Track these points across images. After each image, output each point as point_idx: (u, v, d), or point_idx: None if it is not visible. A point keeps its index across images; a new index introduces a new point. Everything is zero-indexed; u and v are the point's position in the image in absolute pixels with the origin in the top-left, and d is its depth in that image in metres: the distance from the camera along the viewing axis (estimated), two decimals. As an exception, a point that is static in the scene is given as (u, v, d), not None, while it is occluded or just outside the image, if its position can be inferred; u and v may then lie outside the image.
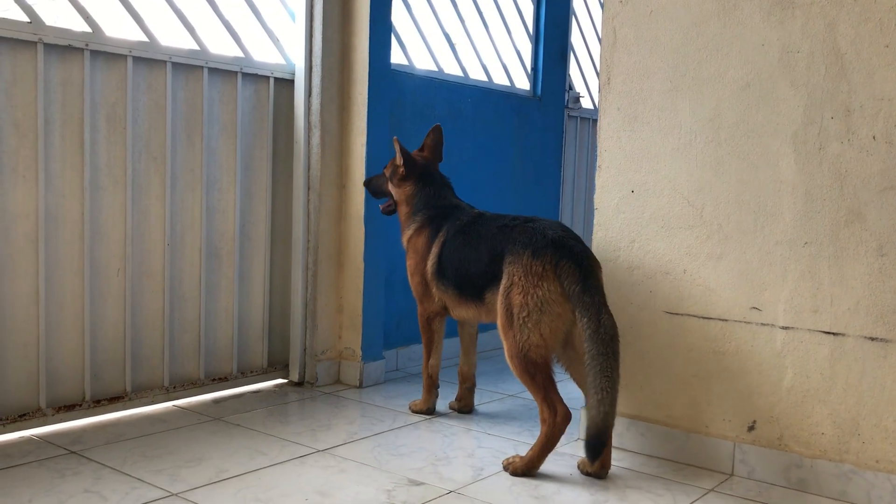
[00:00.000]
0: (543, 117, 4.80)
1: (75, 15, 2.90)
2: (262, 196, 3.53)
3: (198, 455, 2.66)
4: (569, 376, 2.76)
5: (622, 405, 2.78)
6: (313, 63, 3.53)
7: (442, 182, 3.24)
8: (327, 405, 3.29)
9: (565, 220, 5.08)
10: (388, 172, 3.27)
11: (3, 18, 2.69)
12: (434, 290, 3.07)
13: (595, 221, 2.95)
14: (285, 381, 3.65)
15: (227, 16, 3.36)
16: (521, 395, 3.57)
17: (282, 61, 3.56)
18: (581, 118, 5.22)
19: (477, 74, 4.44)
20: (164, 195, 3.17)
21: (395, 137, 3.18)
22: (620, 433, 2.85)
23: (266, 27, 3.49)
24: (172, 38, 3.19)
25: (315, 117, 3.54)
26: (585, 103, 5.27)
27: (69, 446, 2.71)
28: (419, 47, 4.13)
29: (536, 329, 2.54)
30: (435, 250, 3.05)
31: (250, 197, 3.48)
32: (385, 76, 3.66)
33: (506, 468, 2.60)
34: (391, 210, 3.32)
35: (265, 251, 3.56)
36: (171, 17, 3.19)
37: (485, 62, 4.49)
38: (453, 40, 4.28)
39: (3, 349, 2.77)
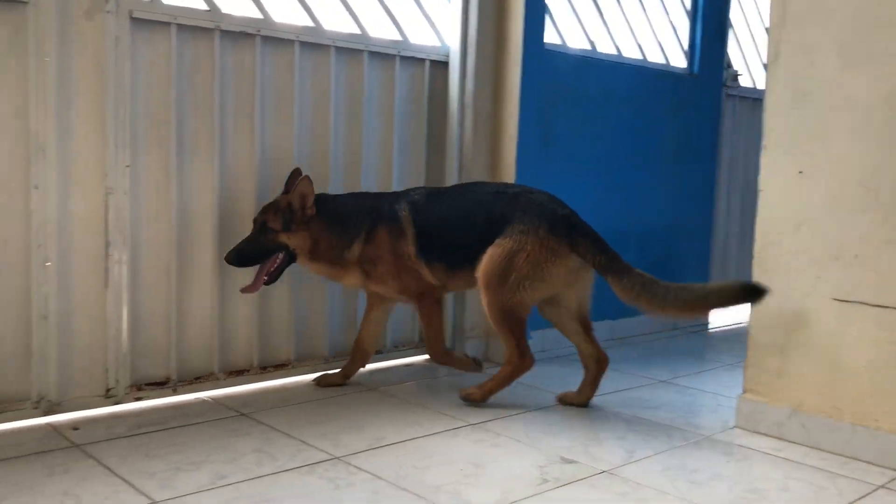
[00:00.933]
0: (700, 96, 4.64)
1: (247, 2, 3.07)
2: (418, 177, 3.61)
3: (357, 422, 2.78)
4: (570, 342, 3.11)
5: (781, 395, 2.68)
6: (468, 45, 3.57)
7: (334, 196, 3.08)
8: (476, 382, 3.34)
9: (721, 203, 4.91)
10: (275, 225, 2.90)
11: (187, 7, 2.88)
12: (425, 271, 3.02)
13: (759, 204, 2.84)
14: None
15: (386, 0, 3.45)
16: (673, 381, 3.51)
17: (437, 44, 3.62)
18: (740, 97, 5.01)
19: (631, 52, 4.35)
20: (327, 177, 3.31)
21: (304, 175, 2.90)
22: (780, 423, 2.74)
23: (423, 10, 3.56)
24: (335, 22, 3.31)
25: (469, 99, 3.59)
26: (744, 81, 5.05)
27: (239, 408, 2.90)
28: (572, 25, 4.09)
29: (531, 294, 2.87)
30: (410, 232, 2.98)
31: (406, 178, 3.57)
32: (538, 57, 3.65)
33: (464, 398, 3.00)
34: (282, 268, 2.95)
35: (418, 230, 3.65)
36: (334, 2, 3.31)
37: (639, 39, 4.39)
38: (607, 18, 4.21)
39: (185, 318, 2.99)
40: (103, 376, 2.81)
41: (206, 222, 3.01)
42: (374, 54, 3.41)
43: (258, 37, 3.06)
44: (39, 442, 2.51)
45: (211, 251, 3.02)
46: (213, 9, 2.95)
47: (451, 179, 3.62)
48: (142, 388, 2.91)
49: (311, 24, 3.21)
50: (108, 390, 2.82)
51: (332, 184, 3.30)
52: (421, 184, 3.59)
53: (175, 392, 2.98)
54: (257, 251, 2.90)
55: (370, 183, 3.44)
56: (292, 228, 2.90)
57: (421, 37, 3.60)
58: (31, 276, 2.62)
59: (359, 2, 3.38)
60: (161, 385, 2.96)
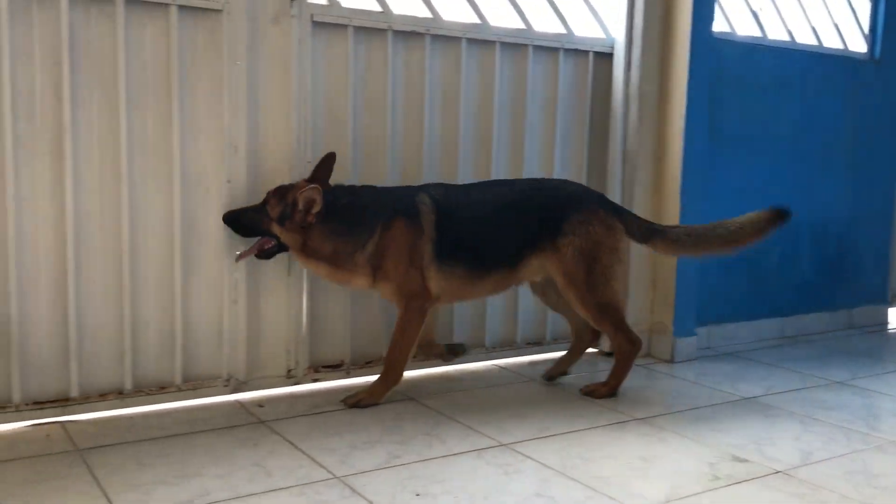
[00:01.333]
0: (882, 82, 4.36)
1: (417, 2, 3.17)
2: (579, 169, 3.61)
3: (520, 411, 2.83)
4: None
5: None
6: (633, 35, 3.53)
7: (349, 189, 2.86)
8: (639, 377, 3.32)
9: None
10: (273, 212, 2.73)
11: (362, 10, 3.02)
12: (434, 274, 2.82)
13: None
14: (595, 350, 3.73)
15: (550, -7, 3.47)
16: (850, 382, 3.34)
17: (601, 35, 3.60)
18: (926, 82, 4.66)
19: (805, 37, 4.15)
20: (490, 171, 3.37)
21: (314, 186, 2.69)
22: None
23: (588, 2, 3.55)
24: (500, 18, 3.36)
25: (633, 90, 3.55)
26: (932, 65, 4.69)
27: (407, 392, 3.02)
28: (741, 11, 3.95)
29: (618, 281, 2.92)
30: (430, 231, 2.80)
31: (567, 170, 3.58)
32: (706, 45, 3.55)
33: (588, 394, 3.02)
34: (272, 251, 2.80)
35: (580, 223, 3.65)
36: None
37: (814, 23, 4.18)
38: (778, 1, 4.04)
39: (358, 305, 3.14)
40: (285, 358, 3.00)
41: (377, 214, 3.14)
42: (539, 48, 3.44)
43: (427, 35, 3.16)
44: (229, 417, 2.72)
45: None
46: (386, 10, 3.07)
47: (614, 172, 3.60)
48: (318, 370, 3.09)
49: (477, 20, 3.28)
50: (288, 371, 3.01)
51: (495, 173, 3.36)
52: (582, 178, 3.59)
53: (348, 375, 3.14)
54: (248, 225, 2.76)
55: (531, 174, 3.47)
56: (286, 225, 2.72)
57: (585, 29, 3.59)
58: (223, 263, 2.84)
59: (522, -5, 3.41)
60: (336, 368, 3.13)
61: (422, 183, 3.06)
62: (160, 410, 2.75)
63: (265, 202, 2.75)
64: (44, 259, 2.56)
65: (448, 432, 2.61)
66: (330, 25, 2.96)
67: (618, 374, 3.03)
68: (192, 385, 2.84)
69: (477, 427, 2.65)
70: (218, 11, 2.74)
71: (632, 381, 3.09)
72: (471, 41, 3.27)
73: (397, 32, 3.10)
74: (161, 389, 2.79)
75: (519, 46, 3.39)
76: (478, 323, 3.45)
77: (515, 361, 3.51)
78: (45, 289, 2.57)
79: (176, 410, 2.76)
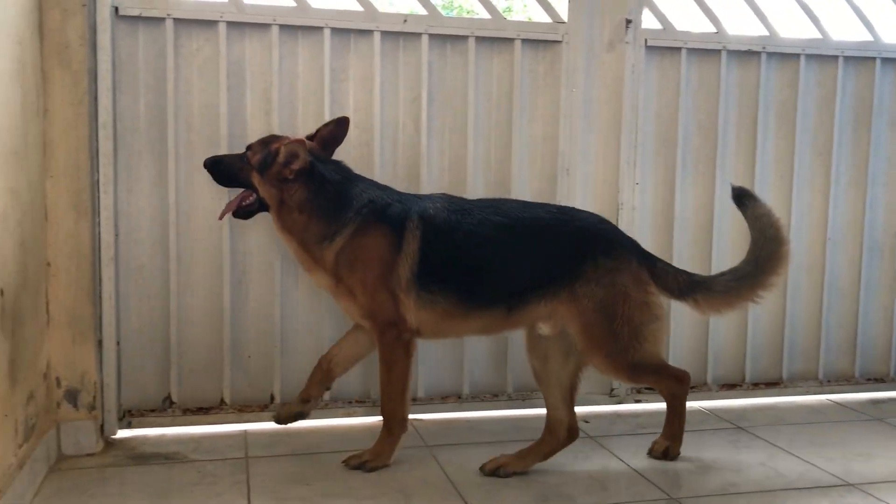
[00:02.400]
0: None
1: (752, 20, 3.09)
2: (932, 191, 3.28)
3: (865, 450, 2.63)
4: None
5: None
6: None
7: (348, 172, 2.45)
8: None
9: None
10: (254, 160, 2.39)
11: (697, 32, 3.01)
12: (412, 302, 2.35)
13: None
14: None
15: (903, 0, 3.21)
16: None
17: (965, 43, 3.25)
18: None
19: None
20: (828, 190, 3.18)
21: (300, 139, 2.37)
22: None
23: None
24: (842, 31, 3.17)
25: None
26: None
27: (735, 421, 2.93)
28: None
29: (654, 340, 2.42)
30: (412, 249, 2.34)
31: (915, 193, 3.27)
32: None
33: (661, 456, 2.54)
34: (251, 209, 2.42)
35: (932, 249, 3.32)
36: (842, 10, 3.17)
37: None
38: None
39: (678, 328, 3.11)
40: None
41: (702, 239, 3.10)
42: (888, 60, 3.19)
43: (763, 53, 3.07)
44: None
45: (700, 271, 3.10)
46: (720, 30, 3.04)
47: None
48: (641, 391, 3.10)
49: (818, 35, 3.12)
50: (612, 390, 3.06)
51: (834, 195, 3.16)
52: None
53: (669, 398, 3.11)
54: (227, 172, 2.44)
55: (875, 194, 3.22)
56: (265, 175, 2.37)
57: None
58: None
59: (869, 6, 3.19)
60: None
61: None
62: (492, 417, 2.93)
63: (247, 148, 2.45)
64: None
65: (784, 465, 2.49)
66: (663, 49, 2.99)
67: (675, 422, 2.56)
68: (522, 395, 2.99)
69: (818, 463, 2.51)
70: (558, 42, 2.89)
71: None
72: (809, 57, 3.12)
73: (731, 52, 3.05)
74: (493, 397, 2.98)
75: (864, 59, 3.18)
76: (810, 353, 3.26)
77: (853, 398, 3.25)
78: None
79: (506, 418, 2.93)
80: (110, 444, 2.58)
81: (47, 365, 2.40)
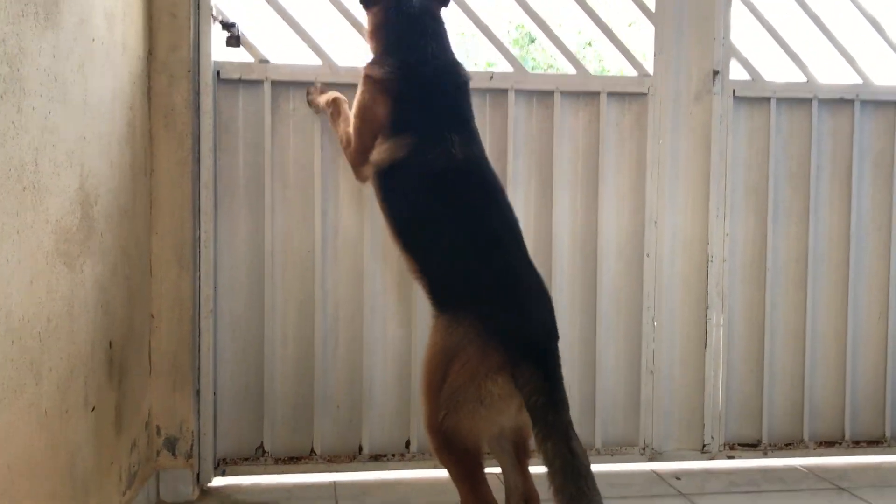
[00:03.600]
0: None
1: (844, 68, 3.04)
2: None
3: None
4: None
5: None
6: None
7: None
8: None
9: None
10: None
11: (786, 82, 2.98)
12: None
13: None
14: None
15: None
16: None
17: None
18: None
19: None
20: (923, 242, 3.08)
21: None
22: None
23: None
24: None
25: None
26: None
27: (836, 481, 2.81)
28: None
29: (471, 419, 2.00)
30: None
31: None
32: None
33: None
34: None
35: None
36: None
37: None
38: None
39: (775, 380, 3.03)
40: (700, 432, 2.98)
41: (796, 290, 3.02)
42: None
43: (856, 101, 3.01)
44: (646, 485, 2.77)
45: (796, 323, 3.01)
46: (811, 79, 2.99)
47: None
48: (734, 447, 3.01)
49: (915, 81, 3.06)
50: (703, 445, 2.98)
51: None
52: None
53: (765, 455, 3.02)
54: None
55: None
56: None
57: None
58: (642, 334, 2.94)
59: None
60: (753, 447, 3.02)
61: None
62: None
63: None
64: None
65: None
66: (752, 99, 2.96)
67: None
68: (611, 450, 2.95)
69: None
70: (643, 95, 2.89)
71: None
72: (908, 105, 3.05)
73: (822, 101, 3.00)
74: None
75: (957, 106, 3.08)
76: (913, 410, 3.12)
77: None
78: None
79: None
80: (206, 493, 2.64)
81: (149, 413, 2.49)
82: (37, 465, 1.56)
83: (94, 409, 1.89)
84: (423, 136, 2.18)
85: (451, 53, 2.36)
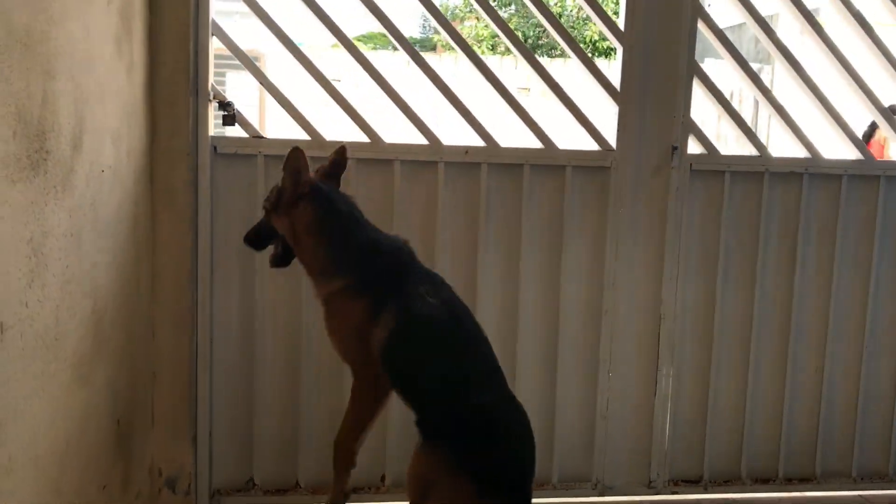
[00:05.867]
0: None
1: (795, 145, 3.28)
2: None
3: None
4: None
5: None
6: None
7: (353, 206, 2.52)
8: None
9: None
10: (267, 205, 2.49)
11: (740, 155, 3.22)
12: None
13: None
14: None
15: (947, 122, 3.33)
16: None
17: None
18: None
19: None
20: (867, 300, 3.35)
21: (294, 147, 2.42)
22: None
23: None
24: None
25: None
26: None
27: (763, 521, 3.16)
28: None
29: None
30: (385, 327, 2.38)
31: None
32: None
33: None
34: (278, 254, 2.54)
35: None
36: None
37: None
38: None
39: (717, 424, 3.35)
40: (647, 469, 3.32)
41: (740, 346, 3.32)
42: (925, 180, 3.33)
43: (805, 175, 3.25)
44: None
45: (738, 374, 3.32)
46: (764, 154, 3.24)
47: None
48: (678, 483, 3.35)
49: (860, 157, 3.29)
50: (650, 481, 3.32)
51: (872, 308, 3.35)
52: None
53: (706, 490, 3.36)
54: (256, 231, 2.58)
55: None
56: (279, 211, 2.45)
57: None
58: (598, 383, 3.25)
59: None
60: (695, 483, 3.37)
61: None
62: (537, 504, 3.23)
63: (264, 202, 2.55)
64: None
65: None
66: (707, 172, 3.21)
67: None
68: (565, 485, 3.29)
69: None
70: (606, 168, 3.14)
71: None
72: (852, 177, 3.29)
73: (774, 174, 3.24)
74: (539, 486, 3.27)
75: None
76: (845, 448, 3.45)
77: (887, 494, 3.43)
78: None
79: None
80: (202, 522, 3.00)
81: (151, 460, 2.83)
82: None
83: (104, 487, 2.22)
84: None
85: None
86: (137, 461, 2.61)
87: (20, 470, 1.63)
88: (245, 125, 2.96)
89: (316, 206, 2.41)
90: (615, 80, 3.14)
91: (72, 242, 1.89)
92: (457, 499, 2.21)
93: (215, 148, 2.92)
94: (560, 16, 15.95)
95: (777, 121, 3.26)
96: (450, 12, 17.76)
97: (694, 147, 3.20)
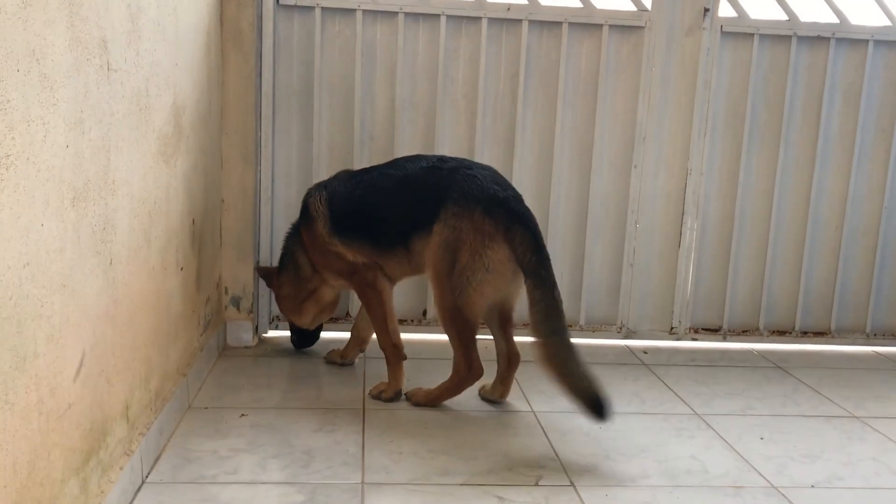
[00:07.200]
0: None
1: (824, 8, 3.42)
2: None
3: (885, 394, 3.06)
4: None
5: None
6: None
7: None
8: None
9: None
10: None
11: (769, 20, 3.39)
12: (343, 249, 2.77)
13: None
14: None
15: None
16: None
17: None
18: None
19: None
20: (888, 163, 3.52)
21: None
22: None
23: None
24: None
25: None
26: None
27: (777, 362, 3.39)
28: None
29: (479, 289, 2.54)
30: (322, 216, 2.80)
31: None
32: None
33: (407, 397, 2.74)
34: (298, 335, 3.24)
35: None
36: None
37: None
38: None
39: (738, 279, 3.58)
40: (669, 316, 3.57)
41: (763, 203, 3.52)
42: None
43: (832, 39, 3.41)
44: (619, 356, 3.39)
45: (760, 230, 3.53)
46: (792, 18, 3.39)
47: None
48: (698, 331, 3.60)
49: (888, 23, 3.43)
50: (671, 328, 3.58)
51: (892, 169, 3.51)
52: None
53: (724, 339, 3.60)
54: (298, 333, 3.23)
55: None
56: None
57: None
58: (625, 234, 3.49)
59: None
60: (714, 331, 3.61)
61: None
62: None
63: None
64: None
65: (805, 398, 2.97)
66: (737, 34, 3.39)
67: (442, 391, 2.72)
68: (592, 328, 3.56)
69: (834, 399, 2.97)
70: (641, 28, 3.34)
71: None
72: (878, 42, 3.43)
73: (801, 38, 3.41)
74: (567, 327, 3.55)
75: (931, 44, 3.46)
76: (860, 306, 3.65)
77: (896, 351, 3.64)
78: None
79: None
80: (262, 341, 3.34)
81: (219, 277, 3.16)
82: (149, 305, 2.21)
83: (182, 268, 2.54)
84: None
85: None
86: (207, 269, 2.93)
87: (121, 222, 1.94)
88: (305, -21, 3.22)
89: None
90: (652, -59, 3.32)
91: (158, 31, 2.18)
92: (482, 239, 2.52)
93: (277, 1, 3.19)
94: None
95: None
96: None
97: (725, 9, 3.38)
